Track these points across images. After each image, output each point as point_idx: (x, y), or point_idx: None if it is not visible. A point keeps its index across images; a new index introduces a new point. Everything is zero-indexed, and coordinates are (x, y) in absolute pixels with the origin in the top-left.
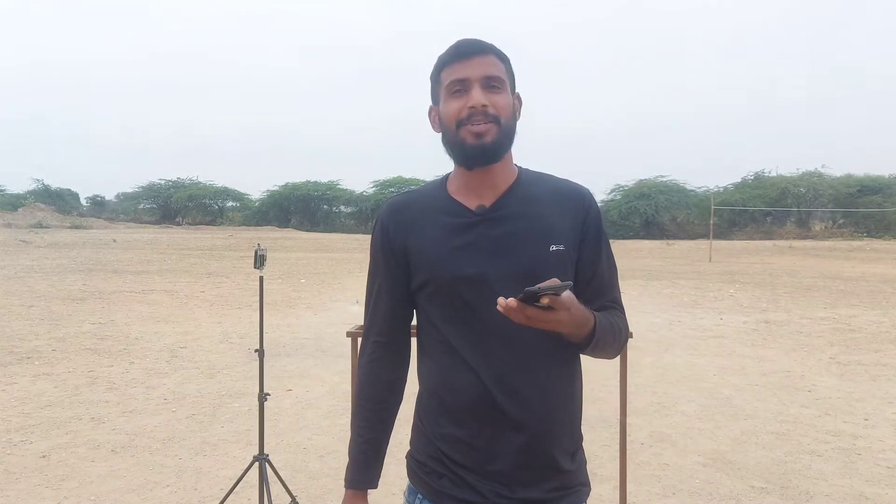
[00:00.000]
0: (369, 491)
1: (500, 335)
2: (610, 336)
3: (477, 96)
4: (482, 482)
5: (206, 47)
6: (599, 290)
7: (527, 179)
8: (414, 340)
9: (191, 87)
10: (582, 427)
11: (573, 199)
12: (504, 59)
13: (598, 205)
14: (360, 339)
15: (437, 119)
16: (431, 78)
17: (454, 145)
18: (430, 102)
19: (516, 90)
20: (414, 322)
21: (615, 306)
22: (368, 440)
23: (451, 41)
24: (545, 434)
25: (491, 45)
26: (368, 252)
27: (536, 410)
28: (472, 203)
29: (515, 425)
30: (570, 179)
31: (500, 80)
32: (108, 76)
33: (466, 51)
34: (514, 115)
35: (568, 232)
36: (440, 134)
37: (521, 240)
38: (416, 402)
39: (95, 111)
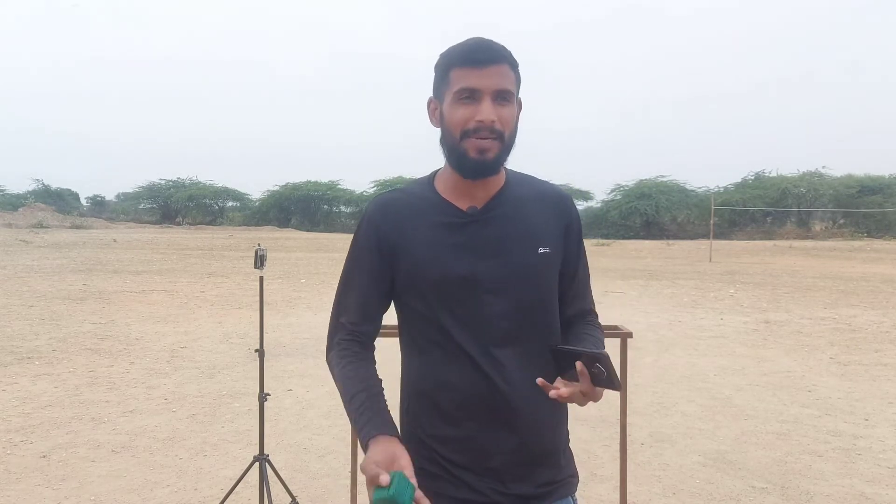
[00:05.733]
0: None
1: (491, 335)
2: None
3: (487, 111)
4: (480, 480)
5: (206, 49)
6: (579, 293)
7: (514, 181)
8: (395, 341)
9: (191, 88)
10: (582, 427)
11: (558, 203)
12: (514, 67)
13: (598, 205)
14: (329, 338)
15: (439, 116)
16: (437, 70)
17: (454, 153)
18: (428, 96)
19: (518, 95)
20: (395, 323)
21: (594, 317)
22: (371, 397)
23: (448, 42)
24: (538, 430)
25: (504, 51)
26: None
27: (530, 408)
28: (463, 204)
29: (510, 423)
30: (551, 182)
31: (510, 93)
32: (108, 77)
33: (482, 58)
34: (516, 125)
35: (553, 235)
36: (438, 130)
37: (511, 241)
38: (402, 405)
39: (96, 112)
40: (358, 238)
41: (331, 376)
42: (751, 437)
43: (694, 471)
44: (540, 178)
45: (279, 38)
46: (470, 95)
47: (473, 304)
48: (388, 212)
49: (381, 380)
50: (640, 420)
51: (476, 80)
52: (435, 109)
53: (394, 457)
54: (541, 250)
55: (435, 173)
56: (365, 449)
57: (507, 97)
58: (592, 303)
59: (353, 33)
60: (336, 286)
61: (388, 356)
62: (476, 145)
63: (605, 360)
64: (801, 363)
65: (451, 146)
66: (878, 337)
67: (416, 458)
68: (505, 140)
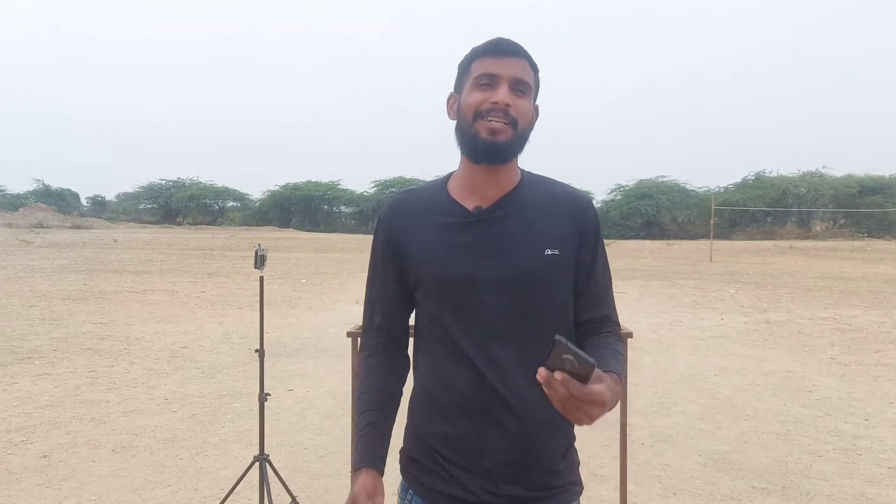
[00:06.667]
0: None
1: (490, 335)
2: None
3: (503, 94)
4: (472, 479)
5: (207, 50)
6: (594, 299)
7: (529, 182)
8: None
9: (192, 88)
10: (582, 427)
11: (572, 204)
12: (535, 69)
13: (599, 205)
14: (360, 340)
15: (456, 108)
16: (460, 66)
17: (466, 135)
18: (444, 95)
19: (536, 101)
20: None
21: (613, 329)
22: (372, 423)
23: (446, 33)
24: (535, 432)
25: (527, 51)
26: (369, 252)
27: (528, 409)
28: (470, 203)
29: (506, 423)
30: (572, 186)
31: (527, 85)
32: (109, 78)
33: (503, 49)
34: (531, 123)
35: (564, 237)
36: (454, 122)
37: (514, 242)
38: (410, 400)
39: (98, 113)
40: (375, 243)
41: (332, 375)
42: (751, 437)
43: (694, 471)
44: (559, 180)
45: (280, 38)
46: (489, 82)
47: (473, 305)
48: (398, 212)
49: (399, 392)
50: (641, 420)
51: (495, 66)
52: (453, 103)
53: (372, 492)
54: (548, 252)
55: (451, 174)
56: (352, 475)
57: (524, 89)
58: (614, 312)
59: (354, 38)
60: (332, 284)
61: None
62: (488, 126)
63: (578, 359)
64: (802, 363)
65: (465, 129)
66: (878, 337)
67: (415, 452)
68: (518, 129)
